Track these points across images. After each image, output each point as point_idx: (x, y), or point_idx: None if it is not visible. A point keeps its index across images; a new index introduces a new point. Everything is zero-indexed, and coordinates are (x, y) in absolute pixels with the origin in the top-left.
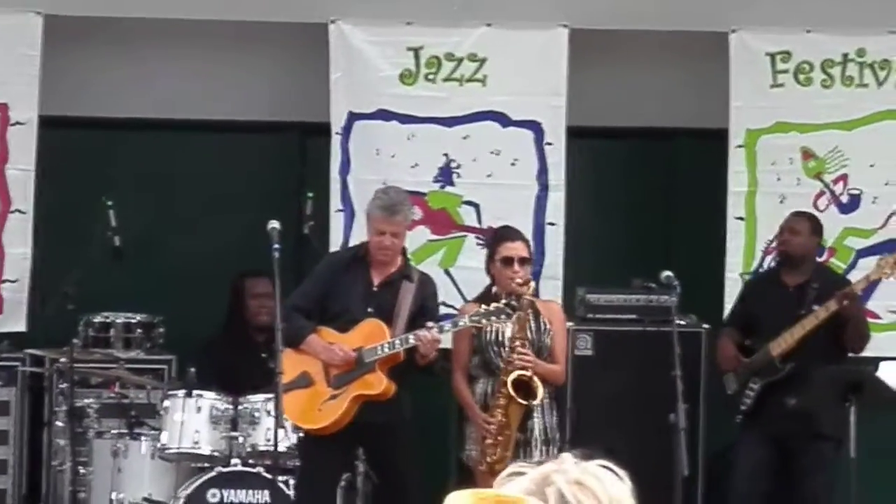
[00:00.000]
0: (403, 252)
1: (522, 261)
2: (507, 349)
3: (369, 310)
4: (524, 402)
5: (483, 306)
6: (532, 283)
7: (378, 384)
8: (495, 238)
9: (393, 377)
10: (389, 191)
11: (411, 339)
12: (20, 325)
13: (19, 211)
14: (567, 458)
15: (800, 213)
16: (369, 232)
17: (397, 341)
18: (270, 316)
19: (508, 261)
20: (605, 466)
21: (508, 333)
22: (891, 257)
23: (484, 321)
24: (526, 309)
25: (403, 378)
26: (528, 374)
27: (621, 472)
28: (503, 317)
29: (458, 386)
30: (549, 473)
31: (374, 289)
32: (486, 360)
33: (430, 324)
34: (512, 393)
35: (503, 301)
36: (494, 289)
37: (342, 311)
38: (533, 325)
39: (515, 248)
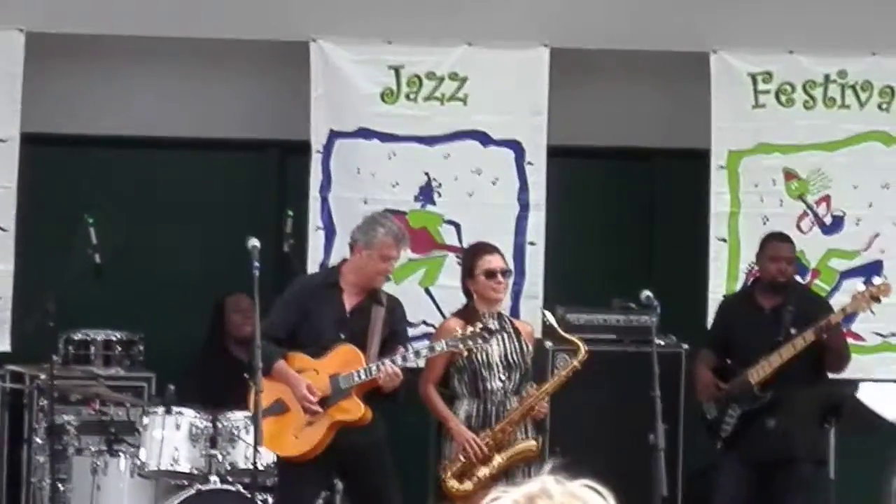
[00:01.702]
0: None
1: (504, 272)
2: (498, 375)
3: (342, 336)
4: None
5: (465, 328)
6: (496, 306)
7: (356, 410)
8: (472, 253)
9: (368, 400)
10: (390, 217)
11: (387, 364)
12: (4, 345)
13: (1, 228)
14: (549, 480)
15: (782, 237)
16: (365, 257)
17: (373, 367)
18: (253, 327)
19: (491, 273)
20: (588, 486)
21: (495, 355)
22: (867, 291)
23: (461, 345)
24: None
25: (376, 400)
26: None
27: (605, 492)
28: (479, 341)
29: (431, 396)
30: (532, 497)
31: (347, 315)
32: (475, 381)
33: (402, 349)
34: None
35: (479, 325)
36: (477, 304)
37: (315, 337)
38: (516, 345)
39: (497, 261)
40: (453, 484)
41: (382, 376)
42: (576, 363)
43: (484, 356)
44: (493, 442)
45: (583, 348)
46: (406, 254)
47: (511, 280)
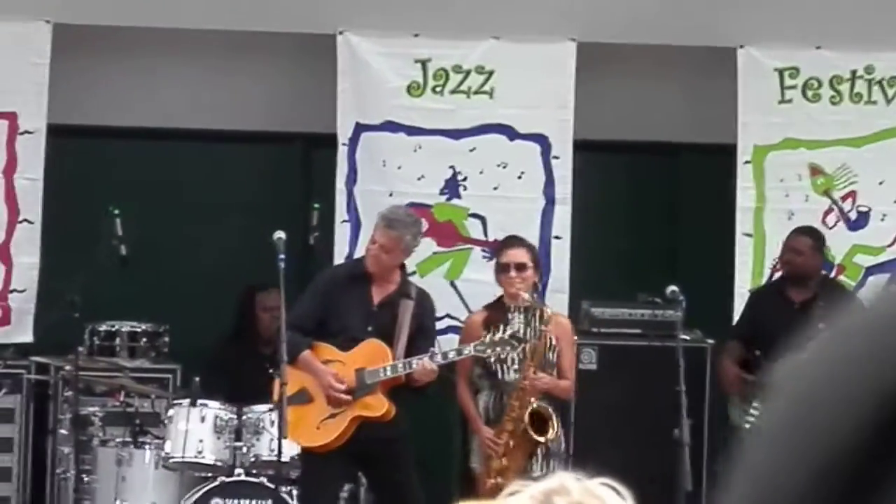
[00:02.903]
0: (402, 269)
1: (519, 267)
2: (513, 369)
3: (369, 329)
4: (540, 440)
5: (487, 324)
6: (524, 295)
7: (379, 406)
8: (499, 247)
9: (391, 393)
10: (400, 207)
11: (414, 365)
12: (27, 336)
13: (27, 221)
14: (567, 477)
15: (801, 230)
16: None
17: (400, 365)
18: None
19: (505, 267)
20: (606, 485)
21: (511, 354)
22: None
23: (488, 351)
24: (541, 336)
25: (401, 393)
26: (546, 407)
27: (623, 491)
28: (507, 348)
29: (462, 396)
30: (550, 493)
31: (374, 308)
32: (491, 374)
33: (433, 349)
34: (530, 431)
35: (508, 333)
36: (504, 298)
37: (342, 329)
38: (535, 339)
39: (512, 255)
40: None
41: (419, 370)
42: (544, 327)
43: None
44: (508, 435)
45: (547, 312)
46: (431, 247)
47: (534, 275)
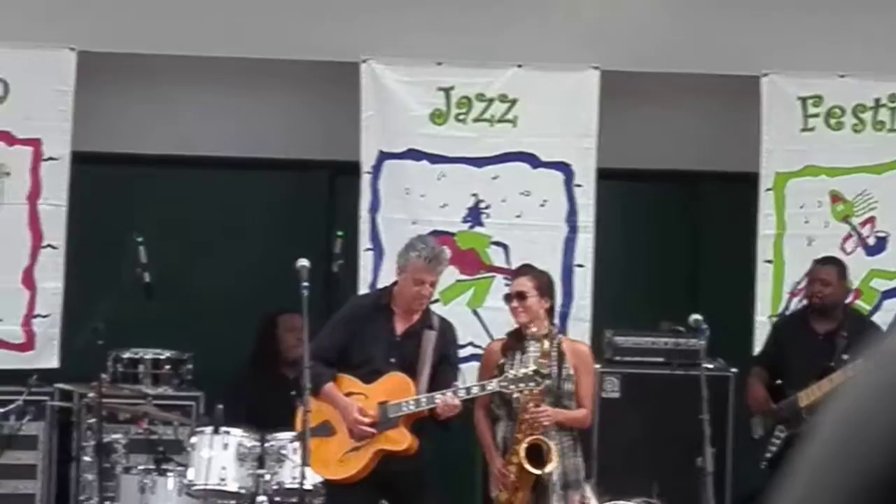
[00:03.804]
0: None
1: (519, 296)
2: (517, 402)
3: (392, 360)
4: (535, 472)
5: (511, 371)
6: (532, 329)
7: (402, 440)
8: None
9: (415, 424)
10: (428, 240)
11: (437, 399)
12: (52, 362)
13: (51, 246)
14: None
15: (826, 260)
16: (402, 280)
17: (423, 400)
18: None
19: (508, 297)
20: None
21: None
22: None
23: (511, 387)
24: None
25: (423, 425)
26: (543, 439)
27: None
28: (531, 384)
29: (479, 425)
30: None
31: (398, 339)
32: (507, 403)
33: (457, 384)
34: (524, 462)
35: (532, 369)
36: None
37: (365, 360)
38: (554, 368)
39: (515, 284)
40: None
41: (441, 406)
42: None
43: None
44: (515, 468)
45: (559, 339)
46: (454, 275)
47: (531, 302)
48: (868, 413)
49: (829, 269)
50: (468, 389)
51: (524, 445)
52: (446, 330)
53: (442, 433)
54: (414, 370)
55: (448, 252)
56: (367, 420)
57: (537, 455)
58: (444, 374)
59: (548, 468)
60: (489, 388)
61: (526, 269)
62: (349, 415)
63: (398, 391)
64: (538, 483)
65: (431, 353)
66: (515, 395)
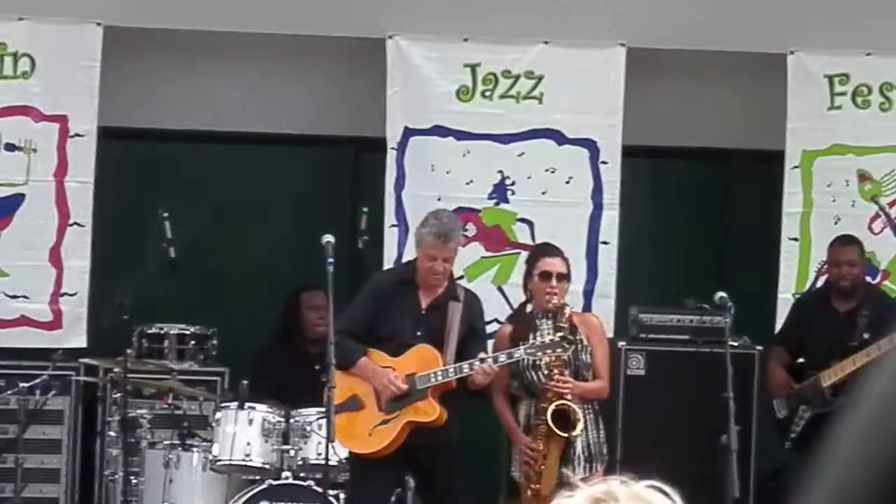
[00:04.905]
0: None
1: (560, 276)
2: (543, 374)
3: (418, 333)
4: (563, 435)
5: (538, 339)
6: (568, 308)
7: (431, 412)
8: (534, 253)
9: (442, 399)
10: (441, 215)
11: (465, 369)
12: (80, 341)
13: (78, 224)
14: (614, 481)
15: (847, 240)
16: (419, 256)
17: (451, 370)
18: (327, 325)
19: (546, 275)
20: (653, 486)
21: (545, 358)
22: None
23: (539, 353)
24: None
25: (452, 399)
26: (568, 404)
27: (671, 491)
28: (559, 350)
29: (499, 408)
30: (598, 499)
31: (423, 311)
32: (524, 383)
33: (482, 355)
34: (551, 425)
35: (559, 334)
36: (529, 306)
37: (391, 334)
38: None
39: (553, 264)
40: (530, 486)
41: (479, 372)
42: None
43: (532, 360)
44: (543, 440)
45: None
46: (479, 252)
47: (568, 286)
48: None
49: (852, 249)
50: (495, 358)
51: (551, 409)
52: (472, 301)
53: (479, 405)
54: (440, 342)
55: (462, 228)
56: (402, 385)
57: (563, 424)
58: (473, 344)
59: (575, 431)
60: (517, 355)
61: (555, 250)
62: (383, 381)
63: (426, 363)
64: (563, 455)
65: (457, 325)
66: (545, 361)
